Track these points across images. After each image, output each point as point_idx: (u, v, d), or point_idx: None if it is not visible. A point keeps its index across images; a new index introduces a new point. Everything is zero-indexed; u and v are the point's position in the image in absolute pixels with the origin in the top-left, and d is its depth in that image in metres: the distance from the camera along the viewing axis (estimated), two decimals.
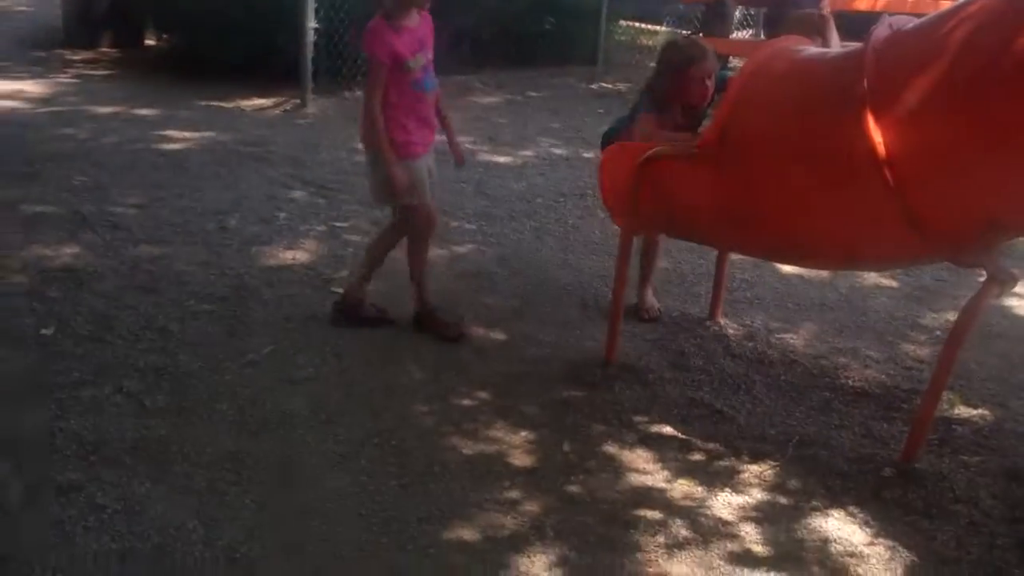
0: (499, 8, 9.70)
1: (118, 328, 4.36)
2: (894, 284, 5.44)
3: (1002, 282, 3.60)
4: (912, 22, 3.69)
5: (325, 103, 8.10)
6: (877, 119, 3.39)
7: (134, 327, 4.39)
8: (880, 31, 3.57)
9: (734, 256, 5.00)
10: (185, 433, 3.61)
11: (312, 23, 7.85)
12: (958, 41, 3.35)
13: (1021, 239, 5.70)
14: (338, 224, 5.77)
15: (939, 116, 3.34)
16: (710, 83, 4.35)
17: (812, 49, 4.08)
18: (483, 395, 4.01)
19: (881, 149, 3.36)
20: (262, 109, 8.02)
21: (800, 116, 3.70)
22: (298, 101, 8.01)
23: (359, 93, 8.42)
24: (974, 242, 3.53)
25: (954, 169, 3.34)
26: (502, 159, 7.20)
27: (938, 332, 4.84)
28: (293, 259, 5.27)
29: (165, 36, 9.72)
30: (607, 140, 4.61)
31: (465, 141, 7.55)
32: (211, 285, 4.88)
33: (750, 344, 4.66)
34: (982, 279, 3.57)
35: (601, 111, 8.89)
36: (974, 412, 4.14)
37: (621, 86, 9.84)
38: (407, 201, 4.34)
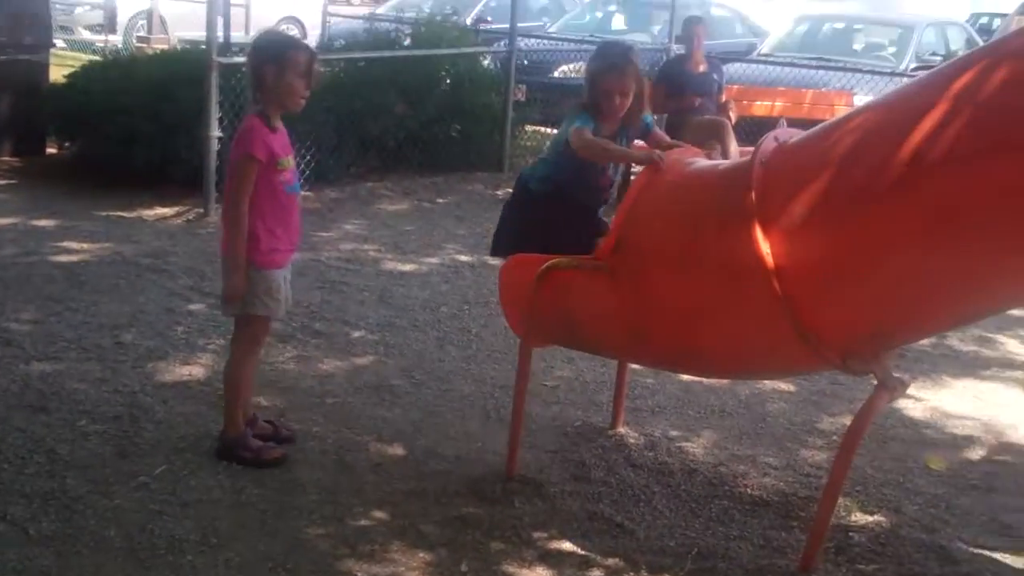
0: (406, 115, 9.78)
1: (5, 451, 4.23)
2: (792, 389, 5.50)
3: (892, 389, 3.67)
4: (798, 135, 3.79)
5: None
6: (765, 231, 3.46)
7: (21, 450, 4.26)
8: (767, 144, 3.66)
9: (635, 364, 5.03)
10: (70, 563, 3.49)
11: (216, 132, 7.84)
12: (841, 155, 3.46)
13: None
14: None
15: (824, 229, 3.43)
16: (622, 102, 4.20)
17: (702, 161, 4.17)
18: (380, 515, 3.95)
19: (769, 261, 3.43)
20: (164, 219, 7.95)
21: (692, 227, 3.77)
22: (201, 210, 7.96)
23: None
24: (862, 351, 3.59)
25: (840, 281, 3.42)
26: (407, 267, 7.20)
27: (835, 437, 4.88)
28: (189, 375, 5.18)
29: (68, 144, 9.61)
30: (524, 183, 4.48)
31: (370, 249, 7.55)
32: (104, 403, 4.77)
33: (651, 453, 4.67)
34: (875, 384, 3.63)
35: None
36: (870, 519, 4.17)
37: None
38: (255, 311, 4.24)
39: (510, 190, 9.65)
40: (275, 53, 4.10)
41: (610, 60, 4.31)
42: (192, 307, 6.09)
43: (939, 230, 3.19)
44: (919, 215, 3.20)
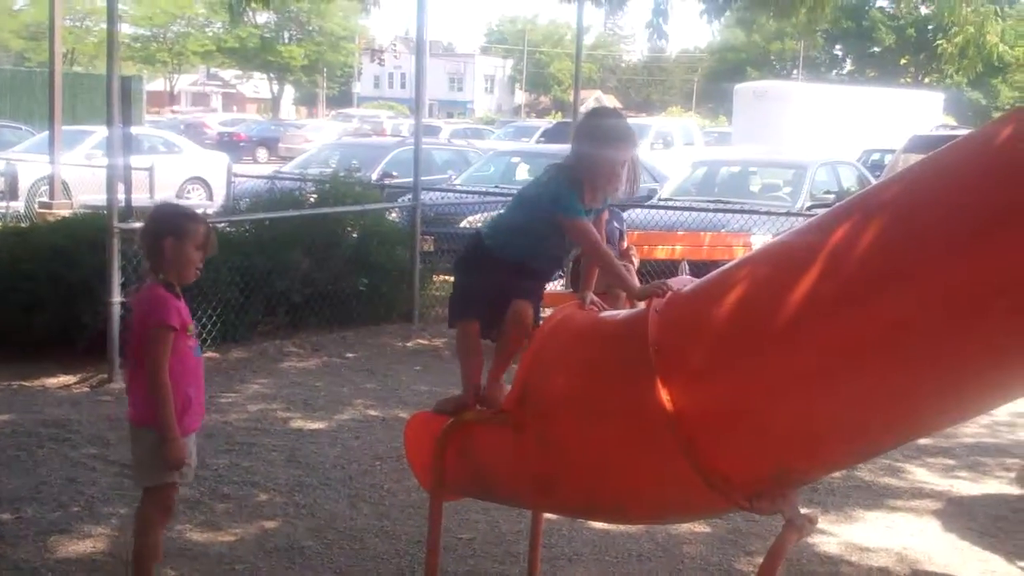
0: (312, 271, 9.81)
1: None
2: (708, 529, 5.50)
3: (800, 526, 3.68)
4: (690, 283, 3.88)
5: None
6: (664, 379, 3.50)
7: None
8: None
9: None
10: None
11: (118, 298, 7.77)
12: (734, 301, 3.53)
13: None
14: None
15: (721, 374, 3.48)
16: (623, 173, 4.06)
17: (603, 312, 4.22)
18: None
19: (669, 408, 3.46)
20: (67, 386, 7.81)
21: (593, 378, 3.81)
22: (104, 376, 7.83)
23: None
24: (769, 491, 3.61)
25: (741, 424, 3.46)
26: (317, 424, 7.13)
27: None
28: (93, 547, 5.04)
29: None
30: (483, 247, 4.25)
31: (278, 408, 7.47)
32: None
33: None
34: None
35: (418, 368, 8.96)
36: None
37: (438, 342, 9.96)
38: (170, 480, 4.22)
39: (421, 341, 9.81)
40: (174, 226, 4.20)
41: (621, 131, 4.07)
42: (95, 476, 5.95)
43: (833, 369, 3.25)
44: (812, 356, 3.26)
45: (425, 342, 9.93)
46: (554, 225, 4.06)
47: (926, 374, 3.18)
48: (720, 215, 11.69)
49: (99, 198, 11.39)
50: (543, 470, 3.88)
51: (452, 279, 12.04)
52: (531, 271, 4.22)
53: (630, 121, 4.24)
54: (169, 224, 4.22)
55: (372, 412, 7.50)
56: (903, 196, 3.36)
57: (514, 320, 4.10)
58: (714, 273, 3.82)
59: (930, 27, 60.30)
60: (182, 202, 17.73)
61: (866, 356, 3.22)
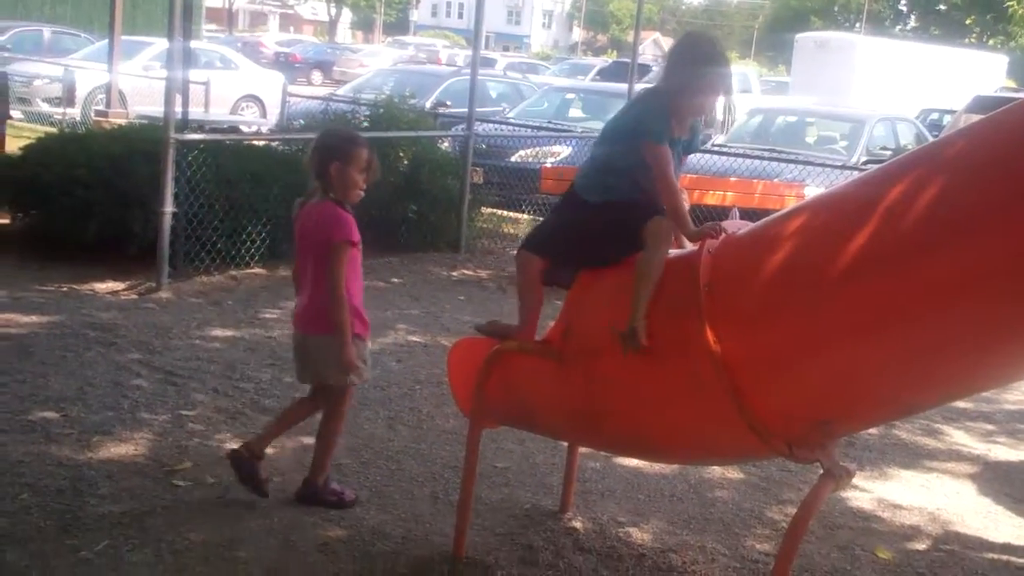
0: (363, 195, 9.83)
1: None
2: (741, 475, 5.51)
3: (837, 477, 3.68)
4: (746, 227, 3.85)
5: (181, 287, 8.01)
6: (712, 321, 3.50)
7: None
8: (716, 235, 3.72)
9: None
10: None
11: (170, 208, 7.83)
12: (787, 249, 3.51)
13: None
14: (184, 412, 5.65)
15: (770, 320, 3.46)
16: (714, 103, 3.96)
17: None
18: None
19: (716, 350, 3.46)
20: (115, 292, 7.89)
21: None
22: (152, 284, 7.92)
23: (218, 277, 8.39)
24: (809, 440, 3.62)
25: (786, 371, 3.45)
26: None
27: (783, 524, 4.89)
28: (135, 450, 5.12)
29: (21, 215, 9.55)
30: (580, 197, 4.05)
31: None
32: (47, 477, 4.70)
33: (600, 538, 4.65)
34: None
35: (462, 298, 8.98)
36: None
37: (482, 273, 9.98)
38: (351, 381, 4.60)
39: (466, 271, 9.84)
40: (340, 150, 4.47)
41: (718, 58, 3.90)
42: (140, 382, 6.03)
43: (878, 324, 3.23)
44: (862, 309, 3.24)
45: (470, 272, 9.96)
46: (639, 155, 3.87)
47: (972, 335, 3.15)
48: (774, 164, 11.57)
49: (155, 109, 11.46)
50: (586, 405, 3.90)
51: (504, 212, 12.00)
52: (621, 210, 3.92)
53: None
54: (335, 149, 4.48)
55: (414, 337, 7.54)
56: (966, 153, 3.30)
57: (651, 234, 3.79)
58: (769, 219, 3.79)
59: None
60: (236, 118, 17.80)
61: (914, 314, 3.19)
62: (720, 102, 3.98)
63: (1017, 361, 3.31)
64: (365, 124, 11.01)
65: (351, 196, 4.51)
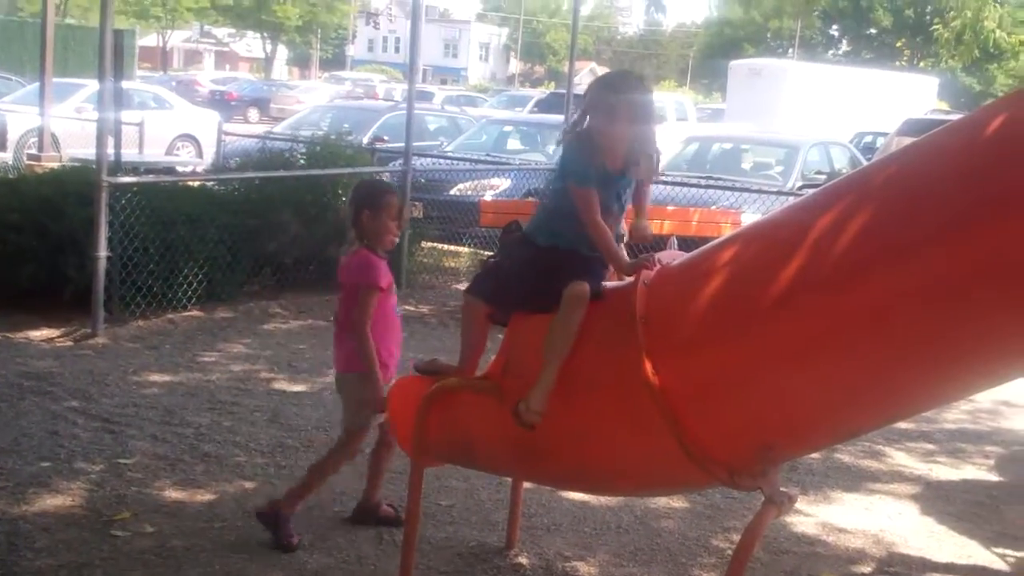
0: (300, 232, 9.77)
1: None
2: (686, 504, 5.51)
3: (779, 503, 3.70)
4: (680, 257, 3.87)
5: (117, 332, 7.89)
6: (650, 351, 3.50)
7: None
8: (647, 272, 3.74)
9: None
10: None
11: (104, 252, 7.73)
12: (721, 277, 3.53)
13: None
14: (122, 461, 5.55)
15: (707, 348, 3.48)
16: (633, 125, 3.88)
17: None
18: None
19: (654, 380, 3.46)
20: (50, 339, 7.77)
21: (581, 348, 3.79)
22: (88, 330, 7.80)
23: (154, 321, 8.28)
24: (749, 467, 3.62)
25: (724, 399, 3.46)
26: (300, 386, 7.12)
27: (728, 552, 4.89)
28: (72, 501, 5.02)
29: None
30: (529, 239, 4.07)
31: (261, 369, 7.45)
32: None
33: (547, 573, 4.63)
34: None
35: (404, 334, 8.90)
36: None
37: (424, 308, 9.94)
38: (366, 422, 4.77)
39: (408, 307, 9.80)
40: (370, 199, 4.75)
41: (628, 85, 3.90)
42: (76, 430, 5.93)
43: (814, 350, 3.26)
44: (797, 335, 3.27)
45: (411, 308, 9.91)
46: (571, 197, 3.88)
47: (909, 357, 3.18)
48: (710, 192, 11.65)
49: (89, 152, 11.34)
50: (527, 439, 3.87)
51: (445, 246, 11.95)
52: (564, 257, 3.91)
53: None
54: (366, 198, 4.77)
55: None
56: (894, 179, 3.35)
57: (567, 299, 3.80)
58: (703, 248, 3.82)
59: (928, 10, 60.22)
60: (171, 159, 17.67)
61: (850, 338, 3.22)
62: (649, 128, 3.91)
63: (954, 381, 3.35)
64: (302, 162, 10.96)
65: (384, 242, 4.73)
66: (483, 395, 4.00)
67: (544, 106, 30.66)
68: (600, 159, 3.88)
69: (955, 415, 7.51)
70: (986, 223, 2.92)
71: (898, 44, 68.75)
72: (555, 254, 3.94)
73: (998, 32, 11.45)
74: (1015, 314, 2.97)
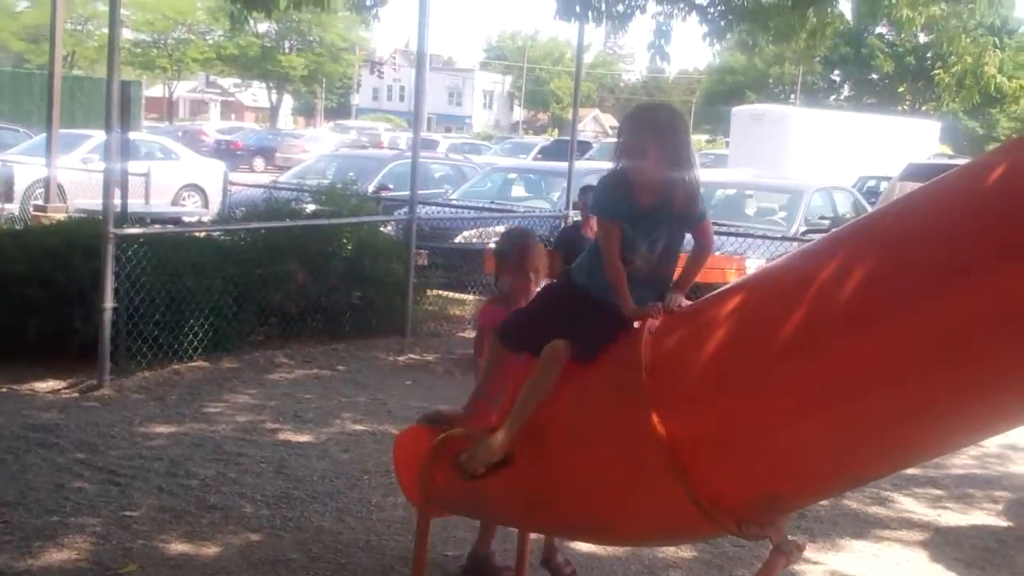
0: (307, 283, 9.81)
1: None
2: (694, 554, 5.48)
3: (787, 553, 3.68)
4: (687, 304, 3.87)
5: (123, 383, 7.90)
6: (656, 402, 3.49)
7: None
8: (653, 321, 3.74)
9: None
10: None
11: (110, 303, 7.75)
12: (726, 326, 3.53)
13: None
14: (128, 513, 5.54)
15: (714, 399, 3.47)
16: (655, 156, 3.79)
17: None
18: None
19: (661, 432, 3.45)
20: (56, 391, 7.77)
21: (587, 398, 3.80)
22: (94, 382, 7.81)
23: (160, 372, 8.29)
24: (757, 517, 3.61)
25: (732, 449, 3.45)
26: (305, 437, 7.11)
27: None
28: (78, 555, 5.01)
29: None
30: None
31: (267, 419, 7.44)
32: None
33: None
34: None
35: (409, 382, 8.93)
36: None
37: (430, 356, 9.94)
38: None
39: (413, 355, 9.79)
40: (502, 254, 4.84)
41: (651, 118, 3.87)
42: (81, 483, 5.92)
43: (821, 399, 3.25)
44: (803, 385, 3.26)
45: (417, 357, 9.91)
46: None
47: (915, 406, 3.18)
48: (715, 237, 11.65)
49: (95, 203, 11.38)
50: (534, 488, 3.87)
51: (450, 293, 11.95)
52: (592, 304, 3.89)
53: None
54: (500, 253, 4.85)
55: (361, 426, 7.47)
56: (897, 227, 3.36)
57: (543, 357, 3.83)
58: (708, 297, 3.83)
59: (929, 55, 60.51)
60: (177, 209, 17.74)
61: (857, 386, 3.22)
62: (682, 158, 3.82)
63: (962, 428, 3.34)
64: (308, 211, 11.01)
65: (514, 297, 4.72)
66: None
67: (548, 153, 30.85)
68: (630, 194, 3.83)
69: (963, 460, 7.48)
70: (988, 273, 2.92)
71: (900, 89, 69.02)
72: (585, 298, 3.91)
73: (999, 77, 11.50)
74: (1020, 362, 2.97)
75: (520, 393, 3.80)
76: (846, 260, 3.35)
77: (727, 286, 3.90)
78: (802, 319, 3.31)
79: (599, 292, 3.88)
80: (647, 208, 3.83)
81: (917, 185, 3.64)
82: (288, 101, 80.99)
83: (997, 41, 12.18)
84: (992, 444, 7.67)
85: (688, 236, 4.03)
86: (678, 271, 4.01)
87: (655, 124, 3.82)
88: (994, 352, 2.97)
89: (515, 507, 4.14)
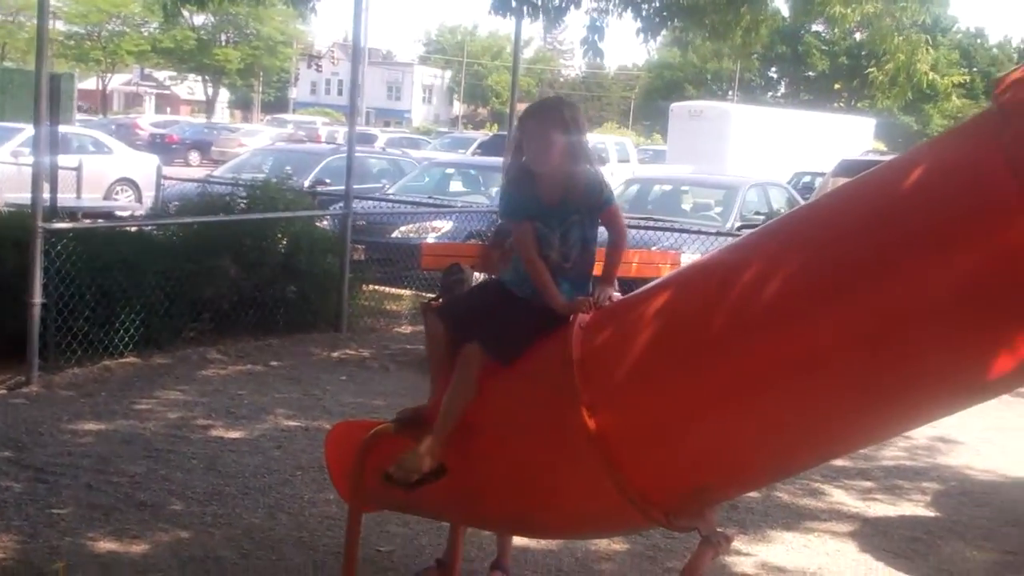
0: (240, 277, 9.71)
1: None
2: (627, 546, 5.51)
3: (716, 544, 3.72)
4: (616, 300, 3.89)
5: (52, 380, 7.77)
6: (585, 395, 3.51)
7: None
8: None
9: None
10: None
11: (39, 299, 7.63)
12: (656, 319, 3.56)
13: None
14: (56, 511, 5.45)
15: (642, 391, 3.50)
16: (541, 143, 3.87)
17: None
18: None
19: (591, 424, 3.47)
20: None
21: (517, 391, 3.80)
22: (22, 378, 7.68)
23: (90, 368, 8.17)
24: (687, 509, 3.64)
25: (660, 442, 3.48)
26: (238, 433, 7.04)
27: None
28: (3, 553, 4.92)
29: None
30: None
31: (199, 416, 7.37)
32: None
33: None
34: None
35: (343, 378, 8.88)
36: None
37: (365, 352, 9.88)
38: None
39: (348, 351, 9.73)
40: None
41: (541, 110, 3.99)
42: (8, 482, 5.82)
43: (750, 389, 3.28)
44: (730, 376, 3.30)
45: (352, 352, 9.86)
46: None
47: (842, 397, 3.22)
48: (651, 233, 11.75)
49: (24, 196, 11.18)
50: (465, 483, 3.87)
51: (387, 288, 11.91)
52: (514, 300, 3.97)
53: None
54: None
55: (295, 422, 7.42)
56: (825, 221, 3.40)
57: (459, 361, 3.88)
58: (638, 291, 3.85)
59: (863, 53, 61.28)
60: (109, 203, 17.51)
61: (783, 379, 3.26)
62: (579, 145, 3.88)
63: (891, 419, 3.39)
64: (243, 206, 10.90)
65: None
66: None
67: (488, 148, 30.77)
68: (533, 188, 3.89)
69: (893, 452, 7.58)
70: (908, 263, 2.97)
71: (835, 86, 69.86)
72: (508, 294, 3.98)
73: (932, 75, 11.65)
74: (943, 352, 3.02)
75: (443, 401, 3.80)
76: (771, 256, 3.39)
77: (658, 280, 3.92)
78: (726, 314, 3.35)
79: (530, 295, 3.93)
80: (553, 201, 3.90)
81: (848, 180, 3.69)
82: (224, 94, 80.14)
83: (930, 39, 12.33)
84: (921, 436, 7.79)
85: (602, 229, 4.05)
86: (599, 265, 4.02)
87: (554, 118, 3.88)
88: (918, 341, 3.02)
89: (448, 501, 4.14)
